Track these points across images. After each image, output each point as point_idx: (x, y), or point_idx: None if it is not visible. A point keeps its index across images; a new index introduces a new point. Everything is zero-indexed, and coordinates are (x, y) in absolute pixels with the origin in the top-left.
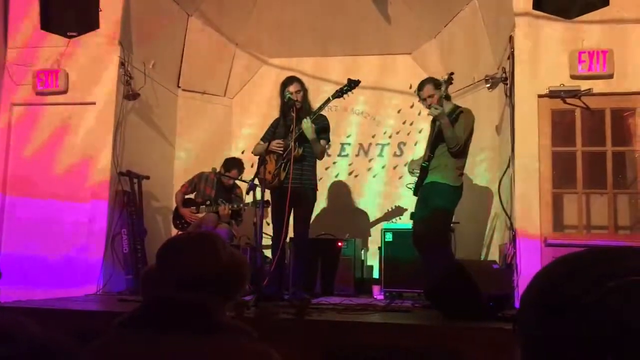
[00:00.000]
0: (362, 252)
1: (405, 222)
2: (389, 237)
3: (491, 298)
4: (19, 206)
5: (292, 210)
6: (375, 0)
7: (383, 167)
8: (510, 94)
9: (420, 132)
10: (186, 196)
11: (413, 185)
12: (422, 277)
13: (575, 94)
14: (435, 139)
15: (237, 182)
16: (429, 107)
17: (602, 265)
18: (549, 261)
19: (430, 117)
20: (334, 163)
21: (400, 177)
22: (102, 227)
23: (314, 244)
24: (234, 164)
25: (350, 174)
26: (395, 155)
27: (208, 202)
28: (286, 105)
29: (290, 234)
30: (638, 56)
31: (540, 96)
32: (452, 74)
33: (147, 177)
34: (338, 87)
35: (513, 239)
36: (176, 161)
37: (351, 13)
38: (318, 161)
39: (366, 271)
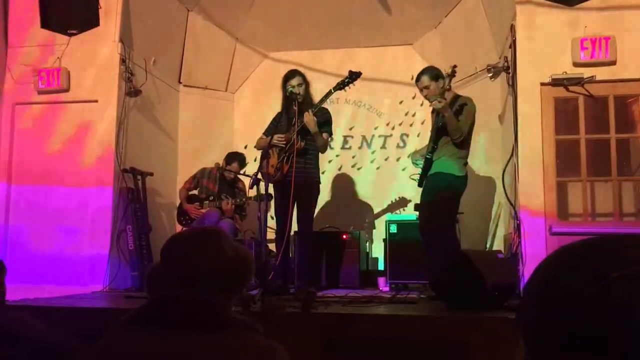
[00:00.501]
0: (367, 244)
1: (409, 213)
2: (393, 228)
3: (496, 288)
4: (24, 206)
5: (296, 204)
6: None
7: (386, 158)
8: (512, 83)
9: (422, 123)
10: (190, 192)
11: (417, 177)
12: (428, 268)
13: (578, 81)
14: (438, 130)
15: (241, 176)
16: (427, 98)
17: (605, 255)
18: (554, 249)
19: (432, 108)
20: (337, 156)
21: (403, 169)
22: (108, 224)
23: (319, 237)
24: (234, 157)
25: (353, 166)
26: (398, 146)
27: (211, 198)
28: (288, 99)
29: (294, 227)
30: None
31: (542, 84)
32: (455, 67)
33: (151, 174)
34: (339, 80)
35: (518, 229)
36: (179, 157)
37: (351, 4)
38: (321, 154)
39: (371, 263)
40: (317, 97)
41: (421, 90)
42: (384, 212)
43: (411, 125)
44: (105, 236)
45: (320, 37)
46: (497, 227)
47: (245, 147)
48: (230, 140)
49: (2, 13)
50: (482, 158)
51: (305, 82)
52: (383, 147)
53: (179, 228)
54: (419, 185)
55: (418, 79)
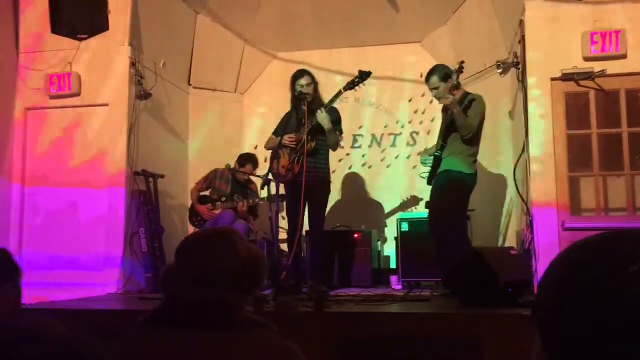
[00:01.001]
0: (378, 242)
1: (420, 211)
2: (404, 226)
3: (510, 284)
4: (38, 208)
5: (307, 204)
6: None
7: (396, 157)
8: (522, 79)
9: (432, 120)
10: (201, 193)
11: (427, 175)
12: (440, 265)
13: (589, 75)
14: (448, 128)
15: (252, 177)
16: (436, 97)
17: (620, 249)
18: (567, 245)
19: (442, 105)
20: (347, 155)
21: (414, 167)
22: (120, 226)
23: (330, 236)
24: (247, 159)
25: (363, 165)
26: (408, 144)
27: (224, 199)
28: (297, 99)
29: (306, 227)
30: None
31: (553, 79)
32: (462, 62)
33: (162, 176)
34: (349, 79)
35: (530, 224)
36: (189, 159)
37: (359, 3)
38: (331, 153)
39: (383, 261)
40: (326, 96)
41: (431, 90)
42: (395, 211)
43: (421, 123)
44: (118, 238)
45: (328, 36)
46: (509, 224)
47: (256, 148)
48: (240, 141)
49: (13, 19)
50: (493, 154)
51: (314, 82)
52: (393, 145)
53: (190, 229)
54: (428, 183)
55: (427, 79)
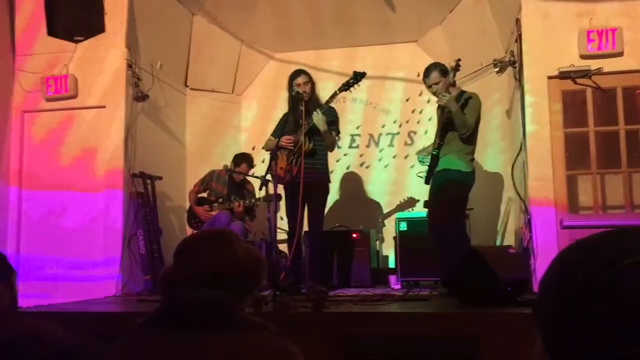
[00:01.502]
0: (377, 242)
1: (419, 210)
2: (403, 226)
3: (509, 283)
4: (36, 211)
5: (306, 204)
6: None
7: (394, 156)
8: (519, 77)
9: (429, 119)
10: (199, 195)
11: (424, 174)
12: (439, 265)
13: (586, 74)
14: (444, 126)
15: (249, 177)
16: (435, 94)
17: (617, 245)
18: (566, 243)
19: (437, 104)
20: (345, 155)
21: (412, 166)
22: (119, 229)
23: (329, 237)
24: (242, 159)
25: (361, 165)
26: (405, 144)
27: (221, 200)
28: (294, 99)
29: (305, 227)
30: None
31: (549, 78)
32: (459, 60)
33: (160, 178)
34: (345, 79)
35: (528, 223)
36: (187, 160)
37: (355, 3)
38: (329, 153)
39: (382, 261)
40: (323, 96)
41: (430, 87)
42: (393, 211)
43: (418, 122)
44: (116, 241)
45: (325, 36)
46: (508, 222)
47: (254, 149)
48: (238, 142)
49: (8, 21)
50: (491, 153)
51: (311, 81)
52: (390, 145)
53: (189, 231)
54: (426, 182)
55: (427, 75)
